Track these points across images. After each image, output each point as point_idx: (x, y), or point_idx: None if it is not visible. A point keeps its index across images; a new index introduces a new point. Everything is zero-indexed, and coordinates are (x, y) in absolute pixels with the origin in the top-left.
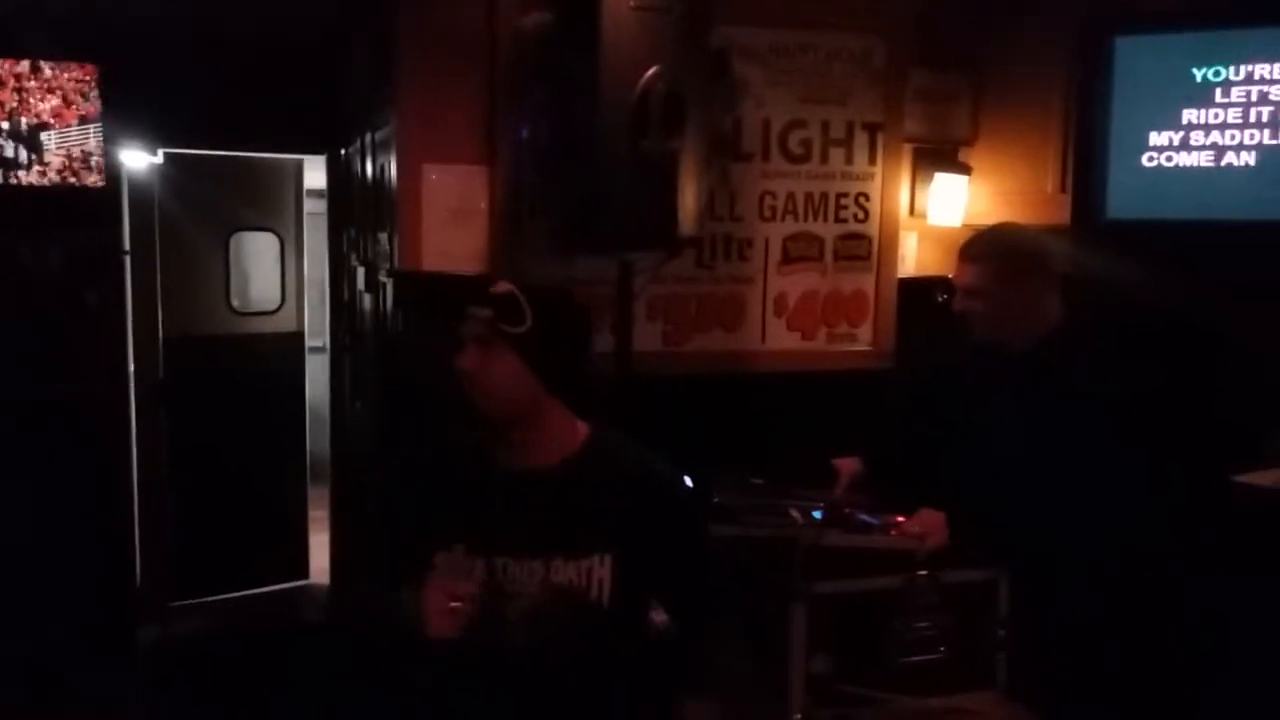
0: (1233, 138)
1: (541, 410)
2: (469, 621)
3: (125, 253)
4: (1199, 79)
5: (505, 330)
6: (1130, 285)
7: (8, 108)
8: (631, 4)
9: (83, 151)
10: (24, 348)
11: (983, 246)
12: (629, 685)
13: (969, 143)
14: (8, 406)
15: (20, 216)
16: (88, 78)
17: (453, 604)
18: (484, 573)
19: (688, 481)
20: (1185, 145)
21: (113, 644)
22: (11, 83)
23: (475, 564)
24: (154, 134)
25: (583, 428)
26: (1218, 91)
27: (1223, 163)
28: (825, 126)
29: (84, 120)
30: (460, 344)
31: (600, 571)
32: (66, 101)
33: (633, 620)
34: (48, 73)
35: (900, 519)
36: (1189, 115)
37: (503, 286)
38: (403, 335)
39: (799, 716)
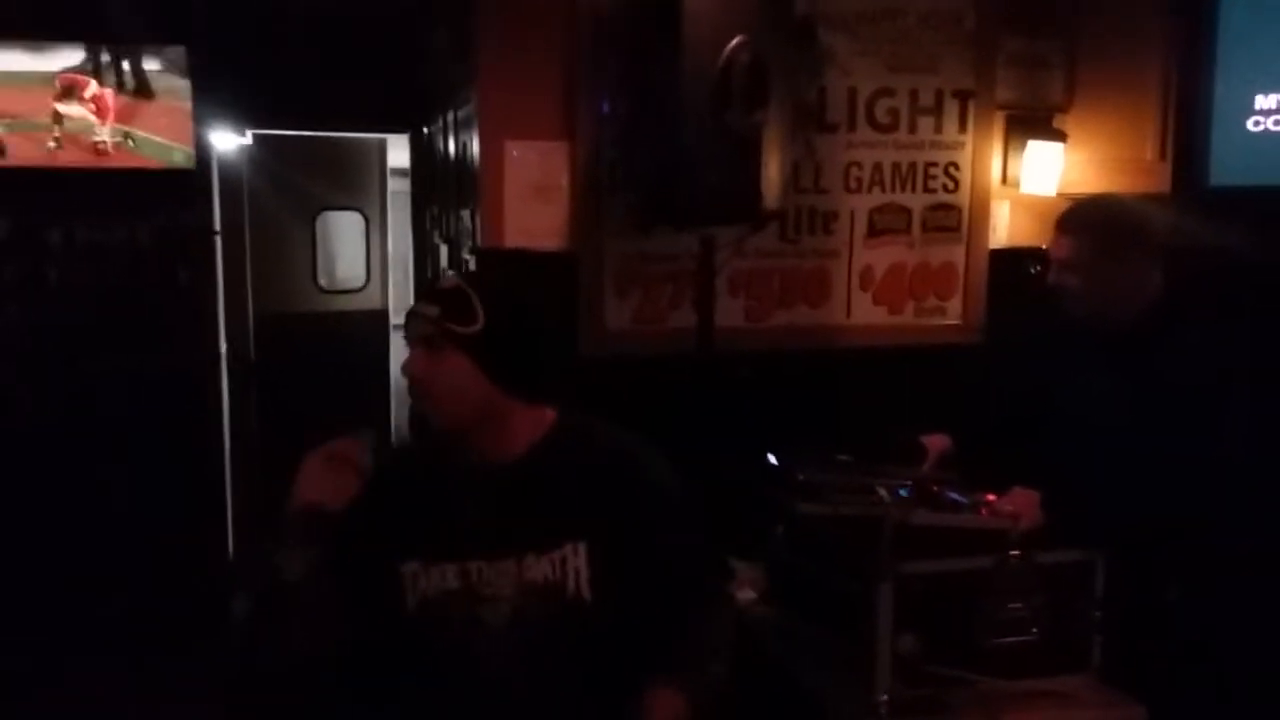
0: None
1: (498, 411)
2: (353, 490)
3: (215, 232)
4: None
5: (454, 330)
6: (1235, 254)
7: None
8: None
9: (173, 133)
10: (120, 325)
11: (1080, 219)
12: (612, 676)
13: (1064, 109)
14: (106, 382)
15: (115, 197)
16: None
17: (331, 461)
18: (457, 579)
19: (661, 458)
20: None
21: (206, 615)
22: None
23: (446, 571)
24: (242, 115)
25: (549, 414)
26: None
27: None
28: (914, 95)
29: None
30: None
31: (575, 561)
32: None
33: (618, 607)
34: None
35: (991, 498)
36: None
37: (450, 282)
38: None
39: (885, 697)
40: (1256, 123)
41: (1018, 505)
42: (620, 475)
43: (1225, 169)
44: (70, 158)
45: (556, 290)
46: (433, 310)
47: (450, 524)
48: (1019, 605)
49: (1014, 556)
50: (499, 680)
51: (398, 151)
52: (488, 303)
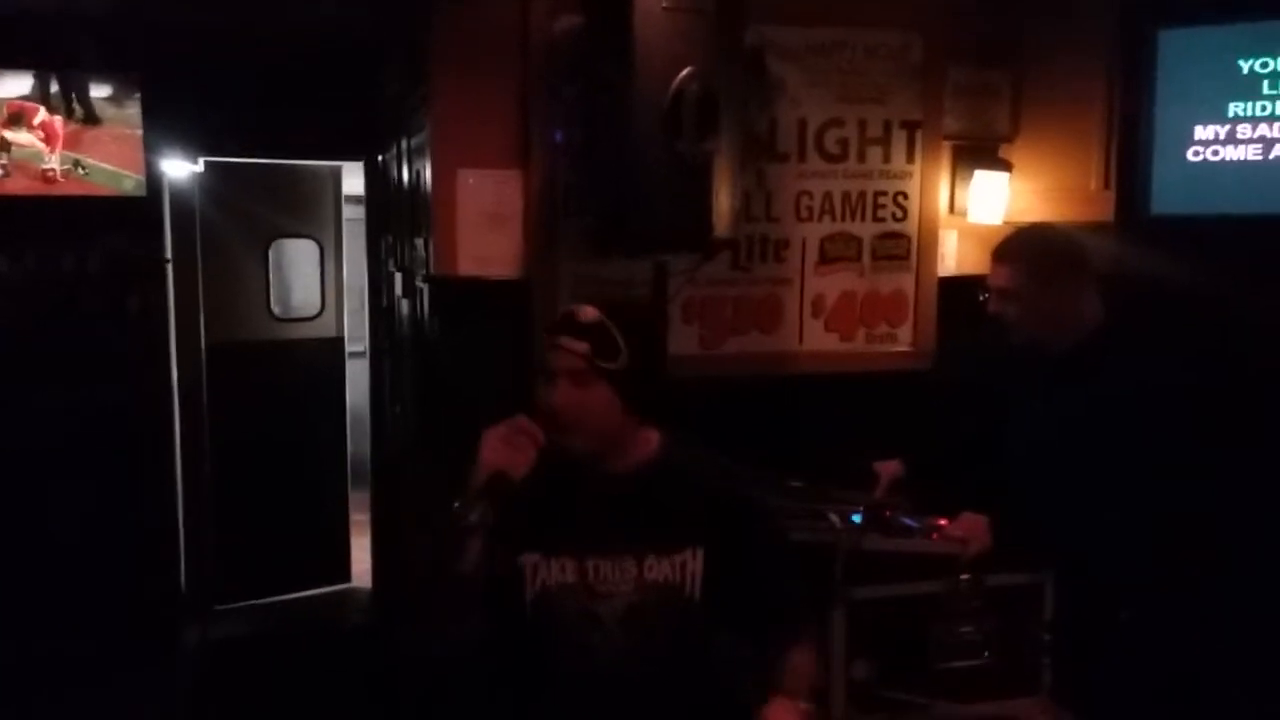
0: None
1: (626, 433)
2: (531, 458)
3: (167, 260)
4: (1245, 71)
5: (602, 366)
6: (1176, 281)
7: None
8: (664, 4)
9: (123, 161)
10: (70, 354)
11: (1015, 247)
12: (715, 682)
13: (1009, 139)
14: (55, 411)
15: (64, 224)
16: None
17: (515, 435)
18: (575, 575)
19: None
20: (1232, 139)
21: (157, 646)
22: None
23: (565, 565)
24: (195, 142)
25: (654, 433)
26: (1265, 83)
27: (1271, 156)
28: (862, 125)
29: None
30: (547, 375)
31: (693, 565)
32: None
33: (721, 609)
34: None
35: (942, 522)
36: (1235, 108)
37: (591, 314)
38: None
39: None
40: (1196, 153)
41: (967, 530)
42: (730, 493)
43: (1166, 198)
44: (18, 185)
45: (510, 318)
46: (581, 346)
47: (569, 523)
48: (970, 629)
49: (963, 580)
50: (610, 670)
51: (353, 179)
52: (626, 336)
